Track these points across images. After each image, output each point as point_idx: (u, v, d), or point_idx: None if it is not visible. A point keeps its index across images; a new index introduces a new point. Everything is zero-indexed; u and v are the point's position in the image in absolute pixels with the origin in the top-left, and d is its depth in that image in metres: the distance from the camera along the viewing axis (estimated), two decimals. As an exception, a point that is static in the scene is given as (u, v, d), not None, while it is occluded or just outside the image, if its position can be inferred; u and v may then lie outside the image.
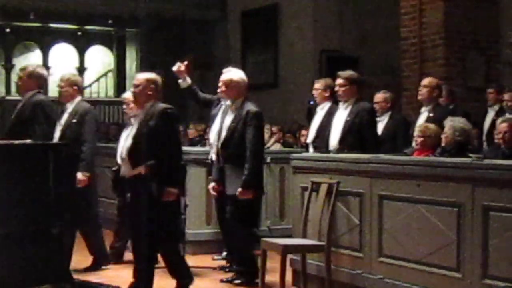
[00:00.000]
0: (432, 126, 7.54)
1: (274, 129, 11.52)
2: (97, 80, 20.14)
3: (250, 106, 7.24)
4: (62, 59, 19.67)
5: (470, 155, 6.32)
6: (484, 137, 9.45)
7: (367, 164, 6.39)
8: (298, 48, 15.93)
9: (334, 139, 7.62)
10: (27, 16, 17.94)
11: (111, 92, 19.95)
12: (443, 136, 7.18)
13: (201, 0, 18.41)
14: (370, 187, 6.30)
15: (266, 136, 10.12)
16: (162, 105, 6.35)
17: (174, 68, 7.87)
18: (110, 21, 18.79)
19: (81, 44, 20.08)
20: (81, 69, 19.81)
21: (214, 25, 18.54)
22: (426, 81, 8.35)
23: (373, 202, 6.27)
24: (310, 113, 8.77)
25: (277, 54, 16.56)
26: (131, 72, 19.09)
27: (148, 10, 18.04)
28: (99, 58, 20.50)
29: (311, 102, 8.63)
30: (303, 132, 11.48)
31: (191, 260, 7.98)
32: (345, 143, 7.46)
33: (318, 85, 8.42)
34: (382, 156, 6.52)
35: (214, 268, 7.97)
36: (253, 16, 17.23)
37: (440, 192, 5.66)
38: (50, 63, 19.62)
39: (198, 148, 9.91)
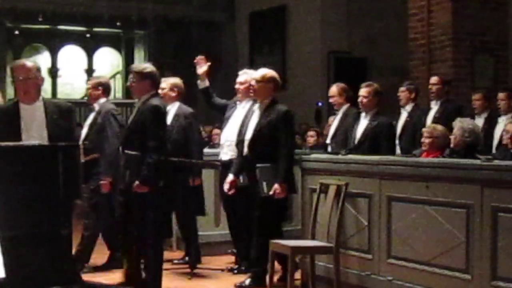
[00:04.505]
0: (439, 127, 7.54)
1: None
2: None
3: None
4: (70, 61, 19.72)
5: (479, 156, 6.31)
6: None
7: (376, 165, 6.39)
8: (306, 50, 15.94)
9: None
10: (36, 18, 17.98)
11: (119, 94, 19.98)
12: (452, 137, 7.18)
13: (208, 1, 18.43)
14: (379, 189, 6.30)
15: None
16: (60, 102, 6.20)
17: (198, 60, 7.82)
18: (118, 23, 18.82)
19: (90, 46, 20.14)
20: (90, 71, 19.85)
21: (221, 26, 18.56)
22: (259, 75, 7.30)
23: (382, 203, 6.27)
24: (319, 115, 8.76)
25: (285, 55, 16.57)
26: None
27: (156, 12, 18.07)
28: (108, 60, 20.55)
29: (319, 104, 8.62)
30: (311, 133, 11.51)
31: (203, 261, 8.02)
32: (129, 143, 6.70)
33: (164, 84, 8.15)
34: (391, 157, 6.52)
35: (222, 270, 7.97)
36: (261, 17, 17.24)
37: (449, 193, 5.66)
38: (58, 65, 19.68)
39: (207, 150, 9.90)
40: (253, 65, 15.80)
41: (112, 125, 7.81)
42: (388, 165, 6.30)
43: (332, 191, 6.65)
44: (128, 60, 19.99)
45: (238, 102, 7.93)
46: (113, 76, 20.24)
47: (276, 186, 6.85)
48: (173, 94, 8.19)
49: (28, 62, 5.91)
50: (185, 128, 8.06)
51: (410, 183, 6.02)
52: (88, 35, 19.88)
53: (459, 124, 7.17)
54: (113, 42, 20.38)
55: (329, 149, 8.48)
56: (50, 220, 4.23)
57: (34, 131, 5.57)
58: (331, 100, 8.70)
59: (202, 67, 8.08)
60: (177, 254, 8.62)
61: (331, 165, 6.90)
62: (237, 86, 7.92)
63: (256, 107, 7.24)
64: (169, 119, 7.95)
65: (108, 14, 18.03)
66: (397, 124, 9.10)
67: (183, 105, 8.26)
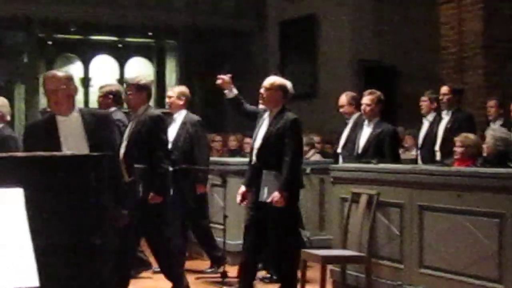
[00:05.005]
0: (471, 136, 7.50)
1: (317, 139, 11.52)
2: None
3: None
4: (102, 70, 19.85)
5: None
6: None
7: (407, 174, 6.37)
8: (336, 58, 15.93)
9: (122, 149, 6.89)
10: (68, 29, 18.14)
11: (151, 103, 20.07)
12: (484, 146, 7.14)
13: (238, 11, 18.49)
14: (411, 198, 6.28)
15: (305, 147, 10.10)
16: (96, 110, 6.17)
17: (219, 82, 7.89)
18: (149, 33, 18.94)
19: (121, 56, 20.24)
20: (122, 81, 19.96)
21: (252, 35, 18.59)
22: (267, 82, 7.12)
23: (414, 212, 6.25)
24: (347, 123, 8.72)
25: (315, 64, 16.57)
26: (171, 83, 19.22)
27: (186, 22, 18.15)
28: (139, 69, 20.65)
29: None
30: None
31: (232, 271, 8.01)
32: (131, 156, 6.70)
33: (171, 93, 8.52)
34: (423, 166, 6.50)
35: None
36: (291, 26, 17.25)
37: (481, 202, 5.63)
38: (90, 75, 19.82)
39: (237, 159, 9.94)
40: (283, 74, 15.84)
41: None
42: (420, 174, 6.28)
43: (363, 200, 6.63)
44: (160, 69, 20.10)
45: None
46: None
47: (275, 193, 6.62)
48: (180, 102, 8.35)
49: (59, 73, 5.69)
50: (192, 136, 8.19)
51: (442, 192, 6.00)
52: (119, 45, 20.01)
53: (491, 132, 7.13)
54: (144, 51, 20.47)
55: (340, 158, 8.44)
56: (82, 230, 4.25)
57: (74, 144, 5.39)
58: (341, 110, 8.65)
59: (225, 83, 8.01)
60: (208, 263, 8.64)
61: (363, 174, 6.88)
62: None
63: (266, 115, 7.12)
64: (176, 127, 8.22)
65: (139, 24, 18.14)
66: (419, 134, 9.08)
67: (190, 113, 8.41)
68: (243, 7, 18.55)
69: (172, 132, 8.31)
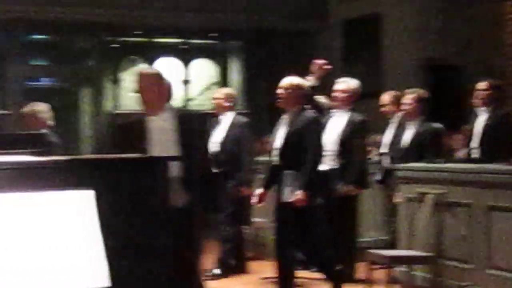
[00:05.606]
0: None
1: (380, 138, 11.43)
2: (202, 93, 20.45)
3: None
4: (167, 72, 20.05)
5: None
6: None
7: (475, 174, 6.30)
8: (401, 57, 15.81)
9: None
10: (132, 32, 18.38)
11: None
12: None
13: (302, 10, 18.47)
14: (478, 198, 6.22)
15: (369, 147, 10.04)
16: (194, 110, 6.10)
17: (320, 61, 7.82)
18: (213, 34, 19.07)
19: (186, 57, 20.41)
20: (186, 82, 20.14)
21: (315, 35, 18.57)
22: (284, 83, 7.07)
23: (482, 212, 6.19)
24: (389, 123, 8.61)
25: (379, 63, 16.47)
26: (235, 84, 19.32)
27: (250, 22, 18.19)
28: (204, 71, 20.80)
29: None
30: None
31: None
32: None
33: (218, 94, 8.59)
34: (492, 166, 6.41)
35: (319, 279, 7.97)
36: (355, 25, 17.18)
37: (551, 202, 5.55)
38: (155, 77, 20.06)
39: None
40: (347, 73, 15.77)
41: None
42: (488, 174, 6.20)
43: (430, 200, 6.58)
44: (224, 70, 20.21)
45: (334, 110, 7.90)
46: (209, 87, 20.50)
47: (298, 193, 6.58)
48: (227, 104, 8.43)
49: (150, 70, 5.56)
50: (239, 138, 8.21)
51: (511, 192, 5.92)
52: (183, 47, 20.19)
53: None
54: (208, 53, 20.62)
55: (384, 158, 8.32)
56: (151, 230, 4.30)
57: (164, 144, 5.19)
58: (383, 109, 8.56)
59: (320, 69, 7.94)
60: (268, 264, 8.61)
61: (429, 174, 6.83)
62: (337, 94, 7.89)
63: (285, 116, 7.05)
64: (223, 129, 8.31)
65: (202, 26, 18.26)
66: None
67: (238, 115, 8.54)
68: (306, 7, 18.54)
69: (217, 134, 8.32)
